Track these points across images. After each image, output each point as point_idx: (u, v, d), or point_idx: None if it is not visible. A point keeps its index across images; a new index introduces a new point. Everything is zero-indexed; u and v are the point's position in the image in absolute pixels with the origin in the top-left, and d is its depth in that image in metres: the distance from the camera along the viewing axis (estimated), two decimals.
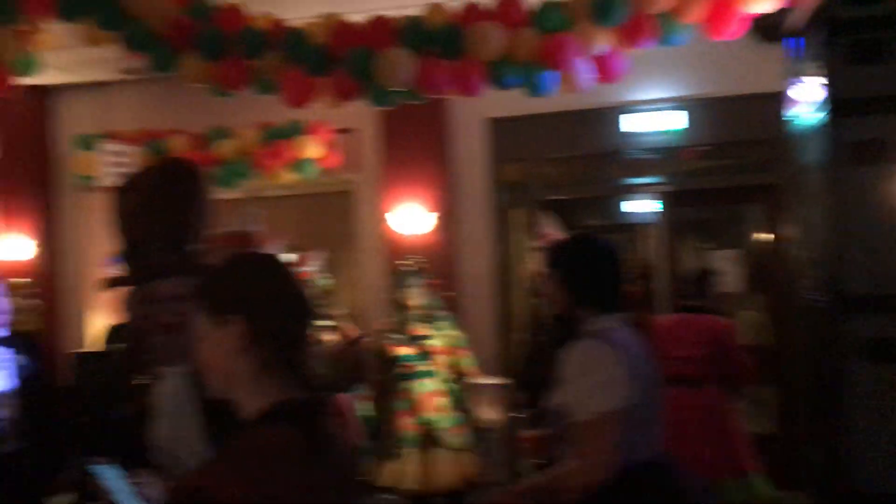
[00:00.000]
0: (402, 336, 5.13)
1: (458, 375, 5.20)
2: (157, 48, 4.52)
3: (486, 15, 4.40)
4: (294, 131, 6.30)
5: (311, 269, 6.04)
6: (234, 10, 4.55)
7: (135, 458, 1.88)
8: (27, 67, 4.80)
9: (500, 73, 4.41)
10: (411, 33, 4.39)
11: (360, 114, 6.04)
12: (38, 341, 5.87)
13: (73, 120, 7.07)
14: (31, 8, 4.51)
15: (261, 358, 1.39)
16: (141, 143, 6.49)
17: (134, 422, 1.90)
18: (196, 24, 4.46)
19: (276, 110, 5.58)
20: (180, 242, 2.05)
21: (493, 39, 4.29)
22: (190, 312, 1.48)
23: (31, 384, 4.39)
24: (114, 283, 2.10)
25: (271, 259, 1.54)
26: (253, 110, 5.99)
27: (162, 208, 2.05)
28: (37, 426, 4.06)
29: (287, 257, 5.98)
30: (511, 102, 5.38)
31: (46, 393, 4.42)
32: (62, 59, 5.80)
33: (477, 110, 6.21)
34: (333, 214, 7.37)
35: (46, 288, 6.97)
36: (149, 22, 4.43)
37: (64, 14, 4.49)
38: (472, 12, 4.42)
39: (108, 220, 2.08)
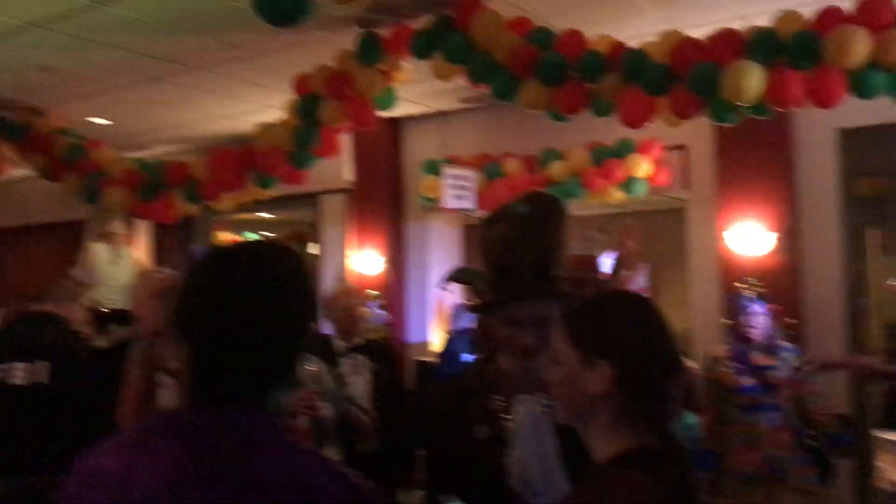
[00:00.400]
0: (740, 365, 4.82)
1: (804, 411, 4.77)
2: (499, 78, 4.75)
3: (847, 19, 4.01)
4: (624, 150, 6.26)
5: (637, 287, 5.93)
6: (575, 35, 4.62)
7: (489, 482, 1.92)
8: (387, 102, 5.30)
9: (863, 80, 3.99)
10: (760, 44, 4.13)
11: (693, 129, 5.83)
12: (390, 349, 6.44)
13: (419, 146, 7.69)
14: (392, 49, 4.99)
15: (621, 404, 1.36)
16: (479, 167, 6.86)
17: (489, 446, 1.95)
18: (537, 51, 4.61)
19: (605, 129, 5.59)
20: (545, 267, 2.09)
21: (857, 45, 3.89)
22: (549, 339, 1.49)
23: (385, 388, 4.80)
24: (479, 307, 2.20)
25: (647, 304, 1.49)
26: (583, 130, 6.05)
27: (529, 236, 2.11)
28: (391, 426, 4.43)
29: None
30: (867, 111, 4.84)
31: (398, 397, 4.82)
32: (411, 92, 6.34)
33: (826, 121, 5.69)
34: (662, 233, 7.20)
35: (393, 300, 7.62)
36: (493, 53, 4.67)
37: (418, 52, 4.90)
38: (830, 17, 4.05)
39: (478, 247, 2.19)
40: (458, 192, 6.77)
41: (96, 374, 2.72)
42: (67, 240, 9.38)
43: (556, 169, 6.54)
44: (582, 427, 1.42)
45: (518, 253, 2.08)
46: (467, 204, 6.86)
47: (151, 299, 2.57)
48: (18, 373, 3.64)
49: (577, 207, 6.56)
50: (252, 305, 1.12)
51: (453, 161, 7.01)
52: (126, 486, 1.09)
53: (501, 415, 1.97)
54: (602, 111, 4.68)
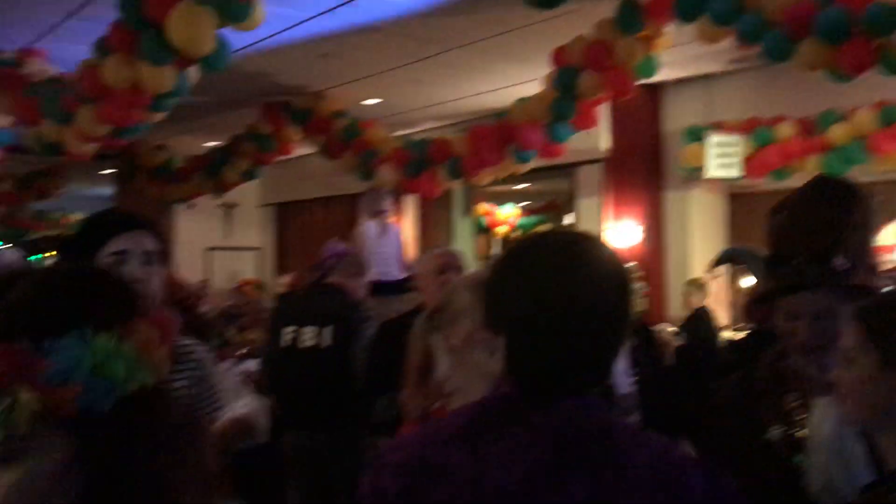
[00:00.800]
0: None
1: None
2: (773, 37, 4.41)
3: None
4: None
5: None
6: None
7: (781, 486, 1.83)
8: (648, 70, 5.14)
9: None
10: None
11: None
12: (647, 323, 6.31)
13: (680, 113, 7.38)
14: (654, 14, 4.82)
15: None
16: (746, 132, 6.46)
17: (782, 448, 1.86)
18: (816, 7, 4.22)
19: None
20: (825, 256, 1.94)
21: None
22: (831, 334, 1.42)
23: (642, 363, 4.73)
24: (761, 297, 2.09)
25: None
26: (869, 89, 5.44)
27: (808, 223, 1.97)
28: (650, 402, 4.36)
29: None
30: None
31: (657, 372, 4.72)
32: (672, 56, 6.08)
33: None
34: None
35: (650, 272, 7.42)
36: (765, 11, 4.35)
37: (682, 16, 4.69)
38: None
39: (765, 235, 2.08)
40: (723, 159, 6.45)
41: (375, 344, 2.95)
42: (343, 213, 10.19)
43: (837, 132, 5.98)
44: (878, 431, 1.35)
45: (795, 241, 1.95)
46: (733, 172, 6.50)
47: (433, 275, 2.78)
48: (308, 336, 4.05)
49: (858, 174, 5.96)
50: (579, 297, 1.10)
51: (718, 127, 6.66)
52: (477, 480, 1.08)
53: (798, 416, 1.87)
54: (895, 69, 4.19)
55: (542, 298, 1.11)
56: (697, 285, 6.53)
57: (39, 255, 14.37)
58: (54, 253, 14.69)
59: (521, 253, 1.19)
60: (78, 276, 1.00)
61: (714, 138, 6.32)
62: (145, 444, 0.95)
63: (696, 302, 6.49)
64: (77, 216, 13.99)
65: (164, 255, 1.88)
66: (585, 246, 1.16)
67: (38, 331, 0.89)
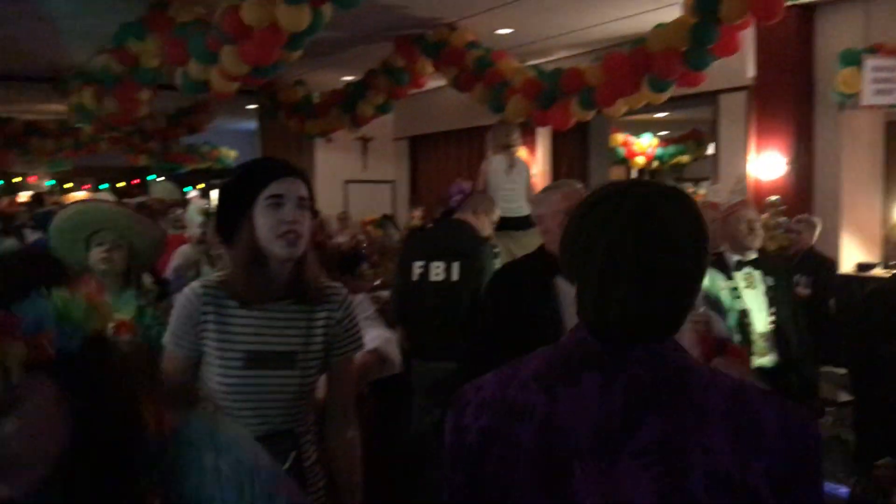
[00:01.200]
0: None
1: None
2: None
3: None
4: None
5: None
6: None
7: None
8: None
9: None
10: None
11: None
12: (785, 262, 6.00)
13: (835, 35, 6.82)
14: None
15: None
16: None
17: None
18: None
19: None
20: None
21: None
22: None
23: (779, 302, 4.55)
24: None
25: None
26: None
27: None
28: (788, 341, 4.21)
29: None
30: None
31: (795, 312, 4.54)
32: None
33: None
34: None
35: (795, 206, 7.03)
36: None
37: None
38: None
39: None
40: (881, 85, 5.96)
41: (491, 287, 2.94)
42: (475, 146, 10.19)
43: None
44: None
45: None
46: (892, 99, 6.00)
47: (562, 215, 2.64)
48: (437, 271, 4.15)
49: None
50: (650, 254, 1.09)
51: (878, 50, 6.14)
52: (551, 421, 1.10)
53: None
54: None
55: (612, 253, 1.09)
56: (808, 223, 6.10)
57: (190, 188, 15.25)
58: (203, 186, 15.54)
59: (596, 204, 1.16)
60: (20, 254, 1.20)
61: (872, 62, 5.84)
62: (114, 374, 1.09)
63: (806, 241, 6.07)
64: (225, 150, 14.72)
65: (312, 202, 1.98)
66: (662, 200, 1.12)
67: (2, 299, 1.03)
